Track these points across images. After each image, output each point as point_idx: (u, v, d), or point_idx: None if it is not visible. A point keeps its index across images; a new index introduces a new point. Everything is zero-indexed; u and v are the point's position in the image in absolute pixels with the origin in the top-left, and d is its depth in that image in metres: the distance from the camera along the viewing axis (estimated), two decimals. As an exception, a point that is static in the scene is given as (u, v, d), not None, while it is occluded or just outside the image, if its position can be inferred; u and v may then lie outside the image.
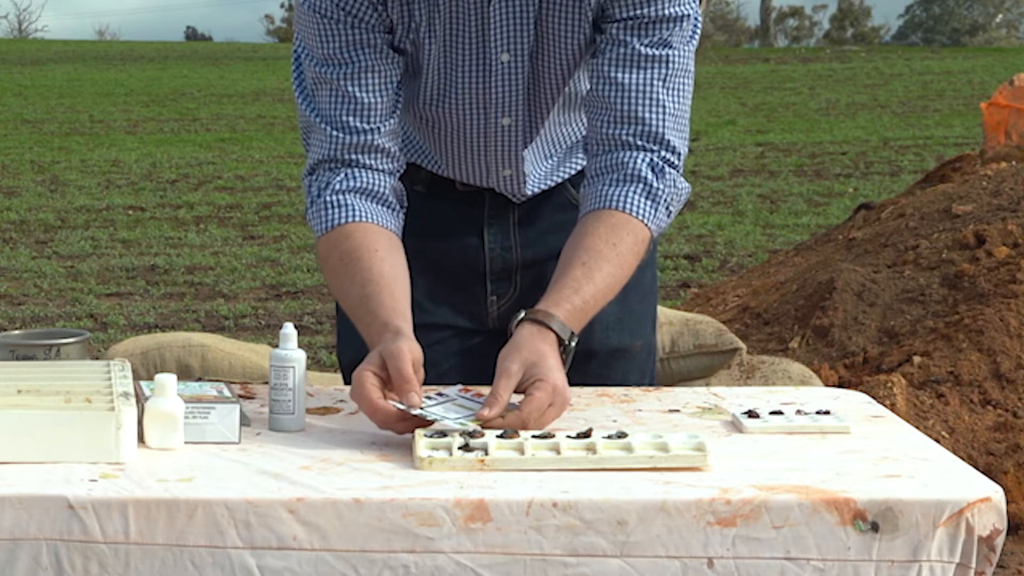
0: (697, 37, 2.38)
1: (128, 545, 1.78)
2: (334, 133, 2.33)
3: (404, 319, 2.18)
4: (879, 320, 5.73)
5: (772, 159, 15.91)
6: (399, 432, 2.06)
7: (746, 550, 1.82)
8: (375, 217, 2.31)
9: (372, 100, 2.33)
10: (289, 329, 2.12)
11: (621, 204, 2.30)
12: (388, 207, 2.35)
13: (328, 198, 2.31)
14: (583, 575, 1.81)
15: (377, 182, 2.33)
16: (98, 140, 18.33)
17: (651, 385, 2.56)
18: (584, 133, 2.53)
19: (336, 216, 2.30)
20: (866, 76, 27.56)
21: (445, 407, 2.11)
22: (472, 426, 2.04)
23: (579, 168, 2.55)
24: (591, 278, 2.23)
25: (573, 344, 2.18)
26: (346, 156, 2.33)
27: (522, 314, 2.18)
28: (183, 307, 8.55)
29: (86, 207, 12.65)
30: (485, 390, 2.14)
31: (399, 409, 2.04)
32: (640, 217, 2.30)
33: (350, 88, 2.32)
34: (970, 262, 5.88)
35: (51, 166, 15.72)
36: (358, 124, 2.33)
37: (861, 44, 45.93)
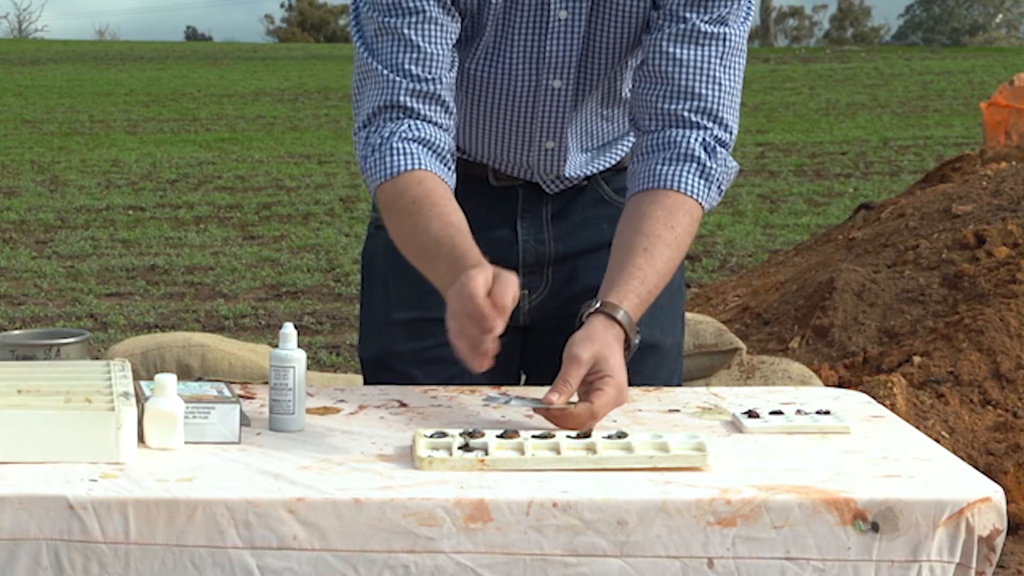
0: (750, 20, 2.40)
1: (128, 545, 1.78)
2: (395, 78, 2.32)
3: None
4: (879, 320, 5.73)
5: (772, 159, 15.91)
6: (477, 362, 2.05)
7: (746, 550, 1.82)
8: (438, 171, 2.31)
9: (434, 50, 2.33)
10: (289, 329, 2.12)
11: (676, 183, 2.30)
12: (446, 165, 2.34)
13: (395, 144, 2.30)
14: (583, 575, 1.81)
15: (438, 137, 2.33)
16: (98, 140, 18.34)
17: (679, 384, 2.57)
18: (622, 133, 2.54)
19: (404, 162, 2.29)
20: (866, 76, 27.57)
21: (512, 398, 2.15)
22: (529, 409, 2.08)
23: (613, 163, 2.56)
24: (653, 264, 2.24)
25: (636, 341, 2.19)
26: (407, 103, 2.32)
27: (597, 304, 2.19)
28: (183, 307, 8.55)
29: (86, 207, 12.65)
30: (533, 392, 2.16)
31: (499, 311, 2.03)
32: (695, 196, 2.31)
33: (413, 37, 2.32)
34: (970, 262, 5.88)
35: (51, 166, 15.72)
36: (420, 72, 2.32)
37: (861, 44, 45.94)
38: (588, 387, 2.11)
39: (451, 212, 2.25)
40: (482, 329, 2.04)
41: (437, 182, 2.29)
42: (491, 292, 2.06)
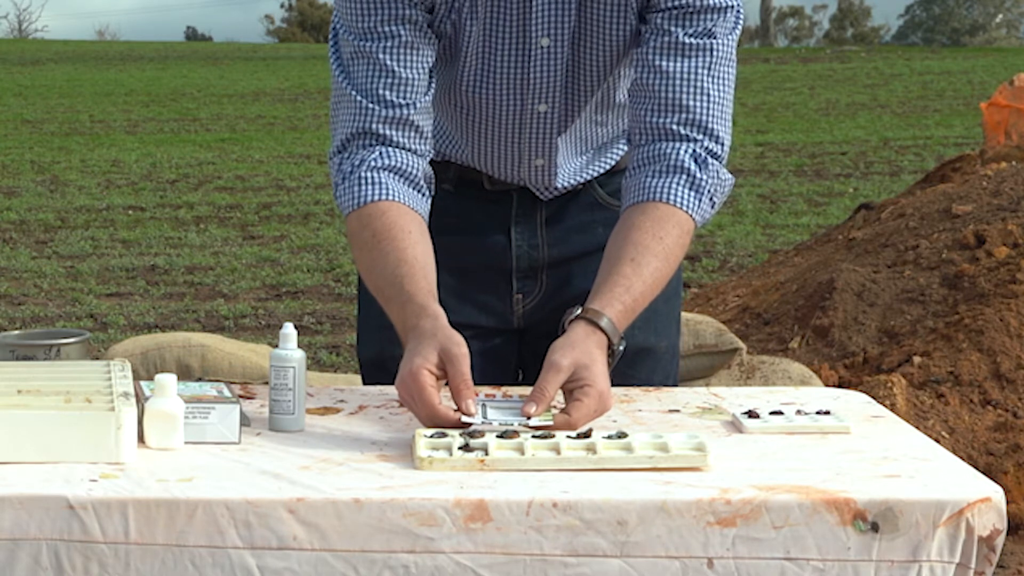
0: (739, 28, 2.37)
1: (128, 545, 1.78)
2: (369, 105, 2.32)
3: (438, 303, 2.18)
4: (879, 320, 5.73)
5: (772, 159, 15.91)
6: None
7: (746, 550, 1.82)
8: (407, 199, 2.30)
9: (409, 75, 2.32)
10: (289, 329, 2.12)
11: (665, 195, 2.29)
12: (419, 191, 2.33)
13: (363, 174, 2.29)
14: (583, 575, 1.81)
15: (410, 163, 2.32)
16: (98, 140, 18.33)
17: (674, 386, 2.56)
18: (616, 135, 2.54)
19: (370, 192, 2.28)
20: (866, 76, 27.57)
21: (489, 408, 2.11)
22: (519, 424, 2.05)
23: (608, 167, 2.55)
24: (640, 274, 2.22)
25: (621, 348, 2.18)
26: (379, 130, 2.32)
27: (578, 310, 2.17)
28: (183, 307, 8.55)
29: (86, 207, 12.65)
30: (512, 391, 2.14)
31: (458, 418, 2.04)
32: (685, 208, 2.29)
33: (388, 62, 2.31)
34: (970, 262, 5.88)
35: (51, 166, 15.72)
36: (394, 98, 2.32)
37: (861, 44, 45.95)
38: (568, 396, 2.10)
39: (408, 247, 2.23)
40: (429, 419, 2.05)
41: (402, 213, 2.28)
42: (446, 373, 2.07)
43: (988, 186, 6.78)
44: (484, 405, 2.11)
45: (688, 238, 2.31)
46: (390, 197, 2.28)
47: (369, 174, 2.29)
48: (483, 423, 2.06)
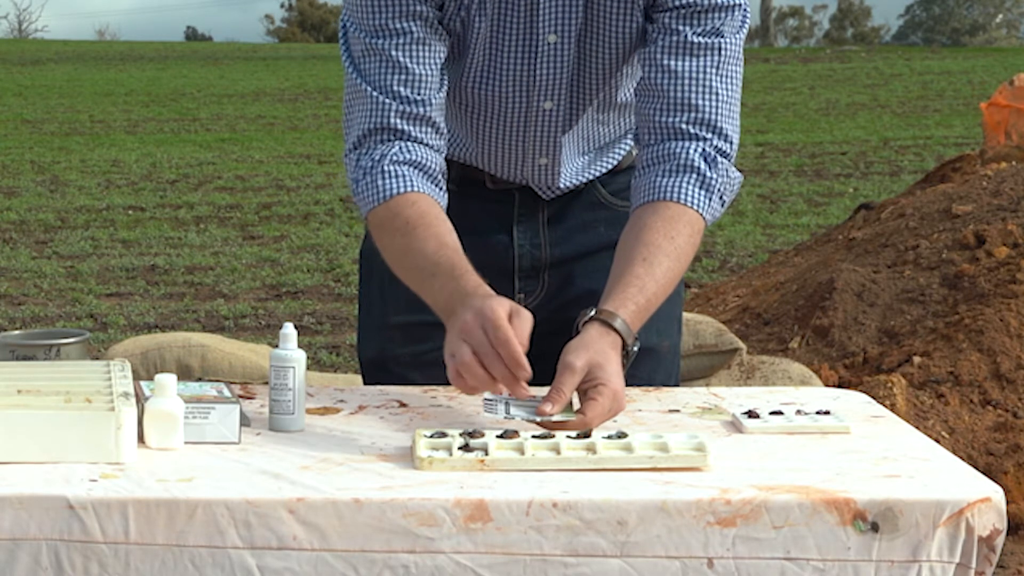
0: (746, 27, 2.38)
1: (128, 545, 1.78)
2: (385, 100, 2.30)
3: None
4: (879, 320, 5.73)
5: (772, 159, 15.92)
6: (468, 391, 2.08)
7: (746, 550, 1.82)
8: (431, 193, 2.30)
9: (422, 71, 2.31)
10: (289, 329, 2.12)
11: (675, 195, 2.29)
12: (438, 186, 2.33)
13: (386, 167, 2.28)
14: (583, 575, 1.81)
15: (429, 158, 2.31)
16: (98, 140, 18.34)
17: (675, 386, 2.56)
18: (619, 135, 2.54)
19: (395, 185, 2.27)
20: (866, 76, 27.58)
21: (512, 406, 2.12)
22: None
23: (610, 167, 2.55)
24: (652, 274, 2.22)
25: (635, 349, 2.18)
26: (397, 125, 2.30)
27: (592, 311, 2.17)
28: (183, 307, 8.55)
29: (86, 207, 12.65)
30: (533, 391, 2.15)
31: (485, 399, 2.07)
32: (695, 207, 2.29)
33: (401, 59, 2.30)
34: (970, 262, 5.88)
35: (51, 166, 15.72)
36: (409, 94, 2.31)
37: (861, 44, 45.97)
38: (583, 396, 2.10)
39: (445, 233, 2.24)
40: (508, 357, 2.03)
41: (430, 203, 2.27)
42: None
43: (988, 186, 6.79)
44: (507, 403, 2.12)
45: (699, 237, 2.31)
46: (415, 190, 2.28)
47: (392, 168, 2.29)
48: (505, 418, 2.07)
